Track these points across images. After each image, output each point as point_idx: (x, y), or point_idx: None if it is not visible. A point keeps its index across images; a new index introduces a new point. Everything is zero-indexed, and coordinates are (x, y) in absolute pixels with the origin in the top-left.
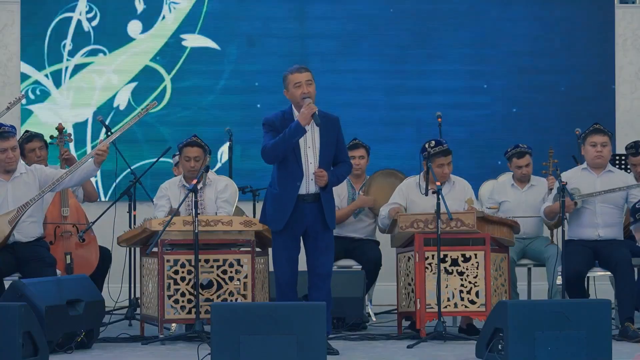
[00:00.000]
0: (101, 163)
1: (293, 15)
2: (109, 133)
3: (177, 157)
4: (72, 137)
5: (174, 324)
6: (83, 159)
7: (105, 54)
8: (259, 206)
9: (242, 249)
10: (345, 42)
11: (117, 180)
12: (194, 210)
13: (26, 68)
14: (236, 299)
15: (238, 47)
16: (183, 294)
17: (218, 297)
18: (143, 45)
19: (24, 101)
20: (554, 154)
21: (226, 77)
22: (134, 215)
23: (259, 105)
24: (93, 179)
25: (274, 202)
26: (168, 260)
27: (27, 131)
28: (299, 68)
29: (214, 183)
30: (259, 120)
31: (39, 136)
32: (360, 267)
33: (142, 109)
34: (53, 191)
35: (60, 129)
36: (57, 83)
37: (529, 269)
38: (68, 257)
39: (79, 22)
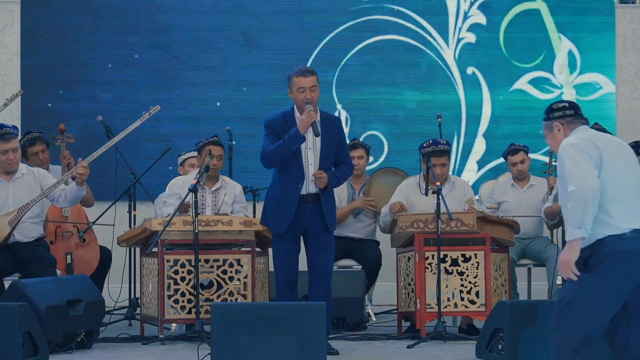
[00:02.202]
0: (84, 182)
1: (292, 10)
2: (110, 133)
3: (182, 157)
4: (73, 138)
5: (174, 324)
6: (64, 177)
7: None
8: (259, 206)
9: (242, 249)
10: (348, 39)
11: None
12: (194, 210)
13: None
14: (236, 299)
15: (237, 45)
16: (183, 294)
17: (218, 297)
18: None
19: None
20: (555, 153)
21: (226, 75)
22: (134, 215)
23: (259, 104)
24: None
25: (275, 204)
26: (168, 260)
27: (28, 132)
28: (304, 71)
29: (230, 186)
30: (260, 119)
31: (40, 138)
32: (360, 267)
33: (145, 113)
34: (51, 201)
35: (61, 130)
36: None
37: (529, 269)
38: (68, 257)
39: None
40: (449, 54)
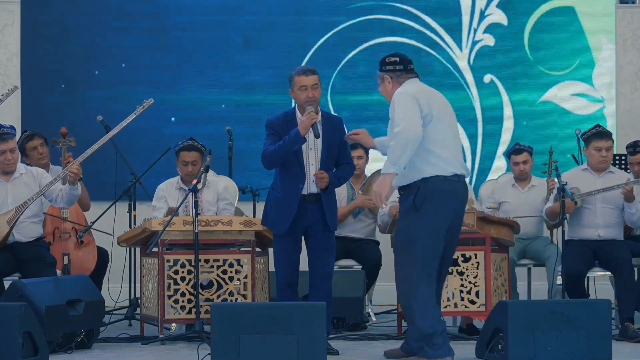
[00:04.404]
0: (76, 182)
1: (292, 10)
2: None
3: None
4: (75, 142)
5: (174, 324)
6: (58, 176)
7: None
8: (259, 206)
9: (242, 249)
10: (349, 38)
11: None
12: (194, 210)
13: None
14: (236, 299)
15: (237, 46)
16: (183, 294)
17: (218, 297)
18: None
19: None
20: (554, 153)
21: (226, 76)
22: (134, 215)
23: (258, 103)
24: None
25: (276, 205)
26: (168, 260)
27: (26, 130)
28: (305, 70)
29: (212, 185)
30: (260, 119)
31: (38, 134)
32: (360, 267)
33: (139, 106)
34: (50, 201)
35: (63, 133)
36: None
37: (529, 269)
38: (66, 258)
39: None
40: (462, 59)
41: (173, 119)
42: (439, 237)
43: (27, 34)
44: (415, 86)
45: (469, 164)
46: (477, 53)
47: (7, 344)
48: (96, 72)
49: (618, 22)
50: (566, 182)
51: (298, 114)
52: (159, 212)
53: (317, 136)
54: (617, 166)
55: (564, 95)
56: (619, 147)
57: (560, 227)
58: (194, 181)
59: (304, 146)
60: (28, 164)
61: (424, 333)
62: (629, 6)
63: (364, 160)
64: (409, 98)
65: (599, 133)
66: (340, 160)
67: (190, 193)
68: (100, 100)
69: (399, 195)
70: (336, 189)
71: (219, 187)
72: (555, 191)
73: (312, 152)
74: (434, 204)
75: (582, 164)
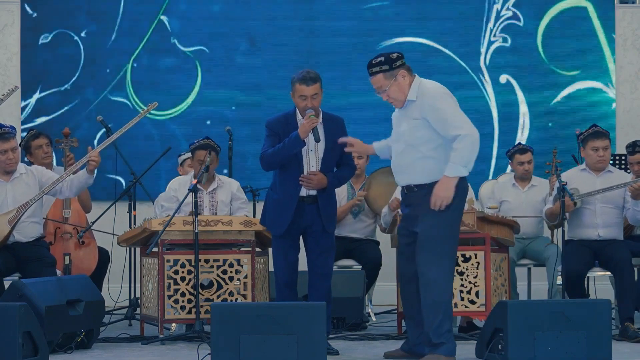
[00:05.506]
0: (94, 171)
1: (298, 11)
2: (110, 133)
3: (182, 157)
4: (78, 142)
5: (174, 324)
6: (76, 164)
7: None
8: (259, 206)
9: (242, 249)
10: (354, 40)
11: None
12: (194, 210)
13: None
14: (236, 299)
15: (241, 47)
16: (183, 294)
17: (218, 297)
18: None
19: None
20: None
21: (228, 76)
22: (134, 215)
23: (260, 105)
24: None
25: (275, 206)
26: (168, 260)
27: (32, 129)
28: (307, 79)
29: (226, 185)
30: (261, 120)
31: (44, 133)
32: (360, 267)
33: (143, 110)
34: (53, 195)
35: (66, 133)
36: None
37: (529, 269)
38: (67, 258)
39: None
40: (479, 59)
41: (174, 119)
42: (458, 230)
43: (27, 34)
44: (437, 84)
45: (484, 164)
46: (493, 53)
47: (7, 344)
48: (107, 70)
49: (618, 22)
50: (566, 182)
51: (298, 116)
52: (166, 213)
53: (317, 140)
54: (617, 166)
55: (579, 95)
56: (619, 147)
57: (560, 227)
58: (194, 181)
59: (304, 148)
60: (31, 163)
61: (450, 326)
62: (629, 6)
63: (364, 160)
64: (452, 98)
65: (596, 133)
66: (341, 161)
67: (190, 193)
68: (100, 100)
69: (403, 192)
70: (336, 189)
71: (233, 188)
72: (555, 191)
73: (313, 154)
74: (459, 201)
75: (582, 164)
